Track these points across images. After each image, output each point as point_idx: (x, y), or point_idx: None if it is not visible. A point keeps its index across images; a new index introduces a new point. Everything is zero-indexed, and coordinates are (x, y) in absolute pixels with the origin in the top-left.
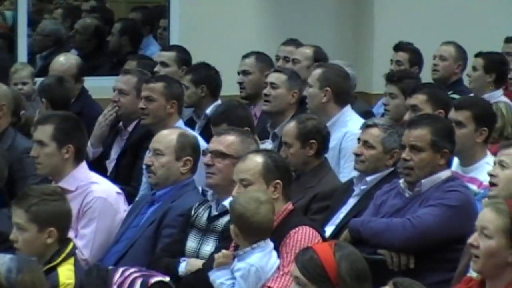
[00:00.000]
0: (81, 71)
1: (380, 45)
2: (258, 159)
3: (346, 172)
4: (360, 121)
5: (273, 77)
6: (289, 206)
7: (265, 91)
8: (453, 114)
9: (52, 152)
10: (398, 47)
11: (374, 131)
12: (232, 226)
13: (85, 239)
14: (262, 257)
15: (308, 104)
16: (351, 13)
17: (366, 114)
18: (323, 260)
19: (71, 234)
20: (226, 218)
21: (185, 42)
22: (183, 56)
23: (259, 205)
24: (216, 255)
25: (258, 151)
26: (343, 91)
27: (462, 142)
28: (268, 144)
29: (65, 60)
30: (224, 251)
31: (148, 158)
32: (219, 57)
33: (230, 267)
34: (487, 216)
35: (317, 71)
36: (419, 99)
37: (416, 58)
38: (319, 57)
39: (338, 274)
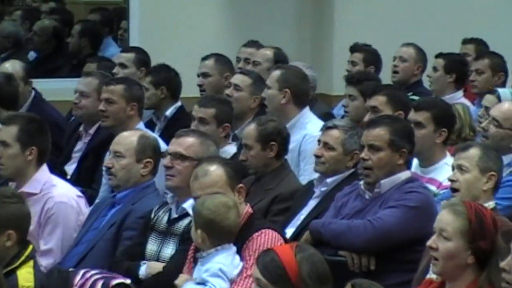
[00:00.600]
0: (28, 74)
1: (340, 47)
2: (219, 170)
3: (306, 174)
4: (319, 123)
5: (238, 79)
6: (249, 209)
7: (227, 91)
8: (412, 115)
9: (16, 154)
10: (354, 49)
11: (334, 132)
12: (199, 231)
13: (51, 246)
14: (227, 257)
15: (267, 105)
16: (311, 15)
17: (327, 115)
18: (284, 261)
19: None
20: (186, 221)
21: (144, 44)
22: (142, 57)
23: (228, 209)
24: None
25: (211, 162)
26: (302, 93)
27: (421, 143)
28: (233, 146)
29: (11, 66)
30: (181, 275)
31: (108, 160)
32: (179, 58)
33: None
34: (445, 218)
35: (276, 73)
36: (379, 100)
37: (371, 57)
38: (279, 59)
39: (299, 276)
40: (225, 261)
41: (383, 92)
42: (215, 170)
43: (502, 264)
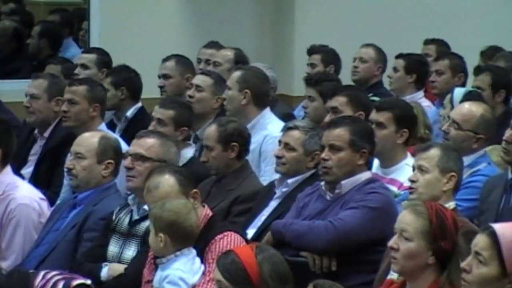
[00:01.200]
0: None
1: (301, 47)
2: (170, 180)
3: (267, 175)
4: (280, 123)
5: (199, 79)
6: (208, 211)
7: (189, 92)
8: (374, 115)
9: None
10: (311, 51)
11: (295, 133)
12: (161, 235)
13: (12, 247)
14: (186, 262)
15: (227, 106)
16: (272, 16)
17: (287, 116)
18: (245, 262)
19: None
20: (147, 222)
21: (105, 45)
22: (103, 58)
23: (189, 210)
24: None
25: (161, 173)
26: (262, 94)
27: (382, 143)
28: (191, 149)
29: None
30: None
31: (69, 161)
32: (140, 59)
33: None
34: (406, 219)
35: (236, 74)
36: (339, 101)
37: (329, 58)
38: (239, 60)
39: (260, 276)
40: (184, 267)
41: (343, 92)
42: (166, 181)
43: (463, 264)
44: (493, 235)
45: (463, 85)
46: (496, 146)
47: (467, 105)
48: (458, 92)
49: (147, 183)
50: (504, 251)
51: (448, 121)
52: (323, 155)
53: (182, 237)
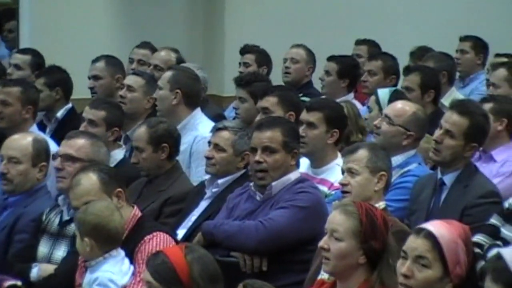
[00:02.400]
0: None
1: (231, 48)
2: (92, 178)
3: (198, 175)
4: (210, 124)
5: (131, 80)
6: (137, 212)
7: (121, 92)
8: (304, 116)
9: None
10: (244, 50)
11: (225, 134)
12: (86, 240)
13: None
14: (115, 264)
15: (158, 106)
16: (202, 16)
17: (218, 117)
18: (175, 263)
19: None
20: None
21: (35, 45)
22: (37, 60)
23: (112, 212)
24: None
25: (85, 171)
26: (193, 94)
27: (313, 144)
28: (121, 150)
29: None
30: None
31: (3, 166)
32: (70, 59)
33: None
34: (336, 219)
35: (168, 74)
36: (270, 101)
37: (263, 58)
38: (180, 62)
39: (190, 277)
40: (113, 269)
41: (274, 93)
42: (87, 179)
43: (403, 270)
44: (432, 237)
45: (394, 86)
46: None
47: (400, 103)
48: (383, 92)
49: (71, 181)
50: (446, 252)
51: (381, 117)
52: (257, 157)
53: (107, 239)
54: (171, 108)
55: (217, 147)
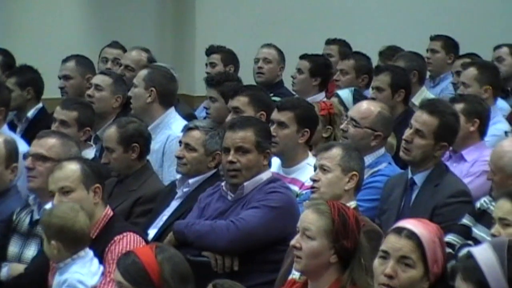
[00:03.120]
0: None
1: (202, 48)
2: (74, 166)
3: (171, 175)
4: (184, 123)
5: (98, 79)
6: (109, 211)
7: (89, 92)
8: (275, 115)
9: None
10: (210, 51)
11: (196, 133)
12: (53, 243)
13: None
14: (84, 265)
15: (133, 104)
16: (172, 16)
17: (189, 117)
18: (145, 263)
19: None
20: None
21: (5, 44)
22: (8, 60)
23: (76, 213)
24: None
25: (70, 160)
26: (168, 93)
27: (284, 143)
28: (92, 150)
29: None
30: None
31: None
32: (40, 59)
33: None
34: (309, 218)
35: (143, 72)
36: (240, 101)
37: (228, 58)
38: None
39: (161, 276)
40: (82, 270)
41: (245, 92)
42: (70, 166)
43: (387, 270)
44: (415, 237)
45: (366, 86)
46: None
47: (365, 104)
48: (344, 93)
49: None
50: (427, 251)
51: (347, 120)
52: (230, 157)
53: (74, 240)
54: (145, 106)
55: (188, 146)
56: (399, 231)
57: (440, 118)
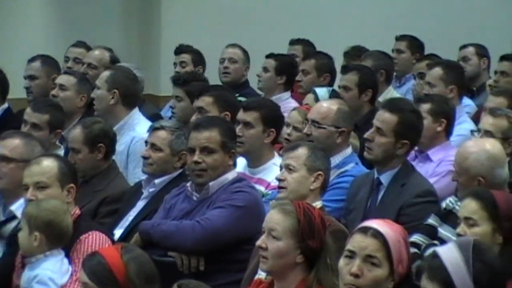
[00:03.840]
0: None
1: (167, 48)
2: (52, 162)
3: (136, 177)
4: (148, 124)
5: (63, 79)
6: (77, 210)
7: (53, 92)
8: (241, 115)
9: None
10: (180, 50)
11: (161, 133)
12: (36, 234)
13: None
14: (56, 263)
15: (96, 106)
16: (138, 16)
17: (155, 117)
18: (111, 263)
19: None
20: (13, 223)
21: None
22: None
23: (65, 211)
24: None
25: (48, 155)
26: (131, 94)
27: (250, 143)
28: (61, 151)
29: None
30: None
31: None
32: (5, 59)
33: None
34: (274, 218)
35: (105, 73)
36: (205, 101)
37: (198, 58)
38: (115, 61)
39: (127, 277)
40: (53, 267)
41: (210, 92)
42: (48, 161)
43: (353, 269)
44: (381, 236)
45: (329, 85)
46: None
47: (322, 104)
48: (322, 91)
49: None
50: (392, 251)
51: (308, 123)
52: (196, 158)
53: (57, 237)
54: (108, 108)
55: (154, 146)
56: (365, 230)
57: (399, 115)
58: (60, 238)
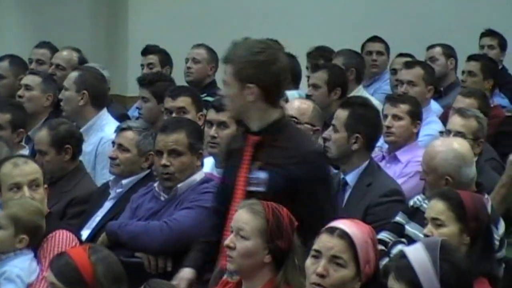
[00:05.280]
0: None
1: (134, 48)
2: (34, 164)
3: (103, 178)
4: (116, 125)
5: (28, 79)
6: (46, 209)
7: (19, 92)
8: (214, 116)
9: None
10: (147, 51)
11: (129, 134)
12: (23, 237)
13: None
14: (24, 261)
15: (64, 107)
16: (105, 16)
17: (122, 117)
18: (79, 264)
19: None
20: None
21: None
22: None
23: (43, 215)
24: None
25: (25, 156)
26: (100, 94)
27: (224, 143)
28: (26, 151)
29: None
30: None
31: None
32: None
33: None
34: (243, 218)
35: (73, 74)
36: (186, 101)
37: (166, 59)
38: (83, 62)
39: (94, 277)
40: (22, 265)
41: (187, 93)
42: (32, 162)
43: (319, 269)
44: (347, 237)
45: (295, 85)
46: None
47: (298, 102)
48: (291, 95)
49: (11, 160)
50: (359, 251)
51: None
52: (164, 161)
53: (37, 238)
54: (77, 109)
55: (121, 147)
56: (332, 230)
57: (349, 109)
58: (37, 240)
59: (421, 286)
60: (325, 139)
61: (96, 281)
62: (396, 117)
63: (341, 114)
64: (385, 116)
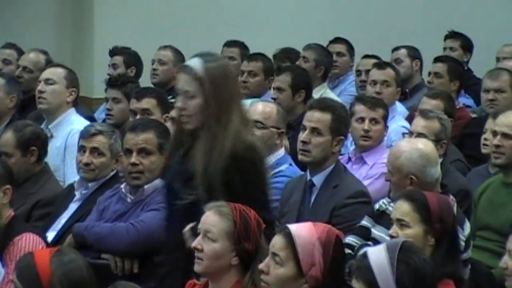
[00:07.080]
0: None
1: (100, 49)
2: None
3: (73, 169)
4: (83, 120)
5: None
6: (11, 212)
7: None
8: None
9: None
10: (113, 52)
11: (101, 138)
12: None
13: None
14: None
15: (49, 99)
16: (71, 17)
17: (88, 119)
18: (39, 266)
19: None
20: None
21: None
22: None
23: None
24: None
25: None
26: (78, 94)
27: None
28: None
29: None
30: None
31: None
32: None
33: None
34: (210, 219)
35: (60, 71)
36: (151, 103)
37: (131, 59)
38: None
39: (50, 281)
40: None
41: (152, 94)
42: None
43: (261, 265)
44: (288, 236)
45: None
46: None
47: (261, 105)
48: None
49: None
50: (299, 251)
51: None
52: (133, 159)
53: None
54: (61, 104)
55: (96, 151)
56: (281, 230)
57: (332, 112)
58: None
59: (378, 286)
60: (303, 143)
61: (51, 285)
62: (373, 120)
63: (324, 118)
64: (361, 119)
